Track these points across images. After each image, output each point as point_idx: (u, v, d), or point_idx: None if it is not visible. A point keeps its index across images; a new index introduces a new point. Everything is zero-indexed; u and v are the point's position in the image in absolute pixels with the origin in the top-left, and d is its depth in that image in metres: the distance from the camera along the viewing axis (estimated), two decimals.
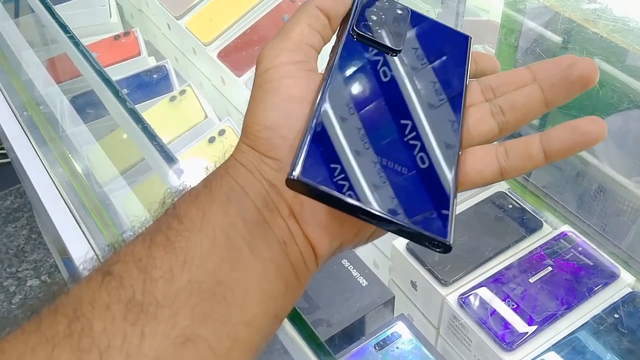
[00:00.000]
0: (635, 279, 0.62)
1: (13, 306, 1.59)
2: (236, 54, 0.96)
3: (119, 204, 0.80)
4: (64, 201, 0.85)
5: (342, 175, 0.28)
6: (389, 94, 0.32)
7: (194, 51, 1.01)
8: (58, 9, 1.11)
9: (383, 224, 0.28)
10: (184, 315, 0.26)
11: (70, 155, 0.91)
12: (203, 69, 1.01)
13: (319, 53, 0.33)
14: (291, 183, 0.27)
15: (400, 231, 0.28)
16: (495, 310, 0.59)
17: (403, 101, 0.32)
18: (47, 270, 1.69)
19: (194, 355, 0.26)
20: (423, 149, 0.31)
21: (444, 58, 0.36)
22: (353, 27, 0.34)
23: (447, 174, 0.30)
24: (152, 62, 1.03)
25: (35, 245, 1.75)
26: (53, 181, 0.88)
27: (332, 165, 0.28)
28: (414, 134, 0.31)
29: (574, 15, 0.70)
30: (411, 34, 0.36)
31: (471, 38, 0.37)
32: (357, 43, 0.33)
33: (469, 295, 0.60)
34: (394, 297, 0.62)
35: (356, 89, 0.32)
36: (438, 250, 0.28)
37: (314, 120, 0.29)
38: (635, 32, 0.65)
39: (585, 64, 0.31)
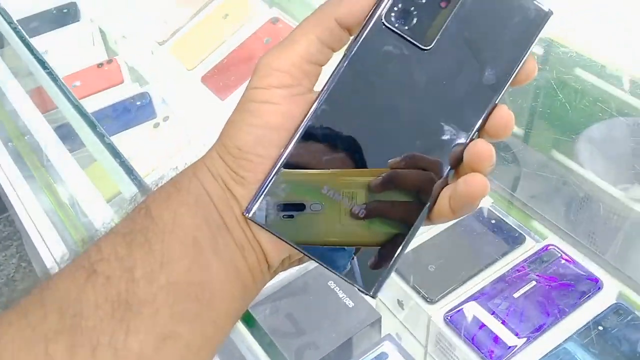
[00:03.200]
0: (619, 289, 0.63)
1: None
2: (219, 78, 0.97)
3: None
4: (51, 231, 0.85)
5: (289, 221, 0.30)
6: (365, 136, 0.30)
7: (178, 76, 1.02)
8: (40, 37, 1.12)
9: (321, 266, 0.30)
10: (164, 314, 0.28)
11: (55, 185, 0.91)
12: (187, 93, 1.02)
13: (323, 65, 0.32)
14: (245, 218, 0.30)
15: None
16: (481, 327, 0.59)
17: (379, 146, 0.30)
18: None
19: (173, 351, 0.28)
20: (379, 201, 0.30)
21: (491, 54, 0.30)
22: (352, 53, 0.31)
23: (400, 232, 0.30)
24: (136, 89, 1.04)
25: (26, 274, 1.74)
26: (40, 211, 0.88)
27: (282, 211, 0.30)
28: (377, 184, 0.30)
29: (549, 32, 0.71)
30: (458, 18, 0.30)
31: (551, 14, 0.30)
32: (350, 72, 0.30)
33: (454, 313, 0.60)
34: (380, 317, 0.62)
35: (329, 135, 0.30)
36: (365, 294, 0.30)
37: (278, 164, 0.30)
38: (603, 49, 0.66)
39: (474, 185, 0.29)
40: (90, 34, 1.14)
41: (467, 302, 0.61)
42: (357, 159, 0.30)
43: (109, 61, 1.07)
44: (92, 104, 0.98)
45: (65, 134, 0.91)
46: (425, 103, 0.30)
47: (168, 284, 0.28)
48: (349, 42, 0.31)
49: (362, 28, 0.30)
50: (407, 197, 0.30)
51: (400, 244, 0.30)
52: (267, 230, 0.30)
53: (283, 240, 0.30)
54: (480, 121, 0.29)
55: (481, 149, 0.29)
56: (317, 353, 0.58)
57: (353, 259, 0.30)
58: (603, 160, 0.77)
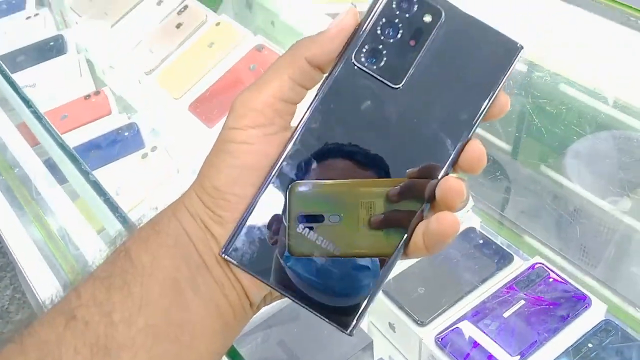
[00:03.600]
0: (608, 305, 0.63)
1: None
2: (206, 106, 0.97)
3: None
4: (42, 264, 0.85)
5: (263, 261, 0.30)
6: (337, 173, 0.30)
7: (165, 105, 1.02)
8: (28, 71, 1.13)
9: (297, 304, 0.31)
10: (142, 357, 0.28)
11: (46, 218, 0.91)
12: (174, 122, 1.02)
13: (297, 103, 0.32)
14: (221, 258, 0.31)
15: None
16: (471, 348, 0.59)
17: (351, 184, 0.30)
18: None
19: None
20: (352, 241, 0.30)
21: (461, 89, 0.30)
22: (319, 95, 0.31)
23: (376, 268, 0.30)
24: (123, 119, 1.04)
25: (20, 305, 1.73)
26: (30, 244, 0.88)
27: (258, 252, 0.30)
28: (350, 222, 0.30)
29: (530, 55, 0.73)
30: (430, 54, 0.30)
31: (521, 49, 0.30)
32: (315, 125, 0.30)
33: (445, 335, 0.61)
34: (372, 341, 0.62)
35: (302, 176, 0.31)
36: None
37: (251, 205, 0.30)
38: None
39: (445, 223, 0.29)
40: (78, 65, 1.15)
41: (458, 323, 0.61)
42: (321, 205, 0.31)
43: (97, 92, 1.07)
44: (80, 136, 0.98)
45: (54, 166, 0.91)
46: (397, 141, 0.30)
47: (147, 327, 0.29)
48: (321, 81, 0.32)
49: (333, 68, 0.31)
50: (383, 233, 0.30)
51: (376, 280, 0.30)
52: (242, 269, 0.31)
53: (258, 278, 0.31)
54: (452, 157, 0.30)
55: (452, 185, 0.29)
56: None
57: (330, 297, 0.30)
58: (591, 174, 0.78)
